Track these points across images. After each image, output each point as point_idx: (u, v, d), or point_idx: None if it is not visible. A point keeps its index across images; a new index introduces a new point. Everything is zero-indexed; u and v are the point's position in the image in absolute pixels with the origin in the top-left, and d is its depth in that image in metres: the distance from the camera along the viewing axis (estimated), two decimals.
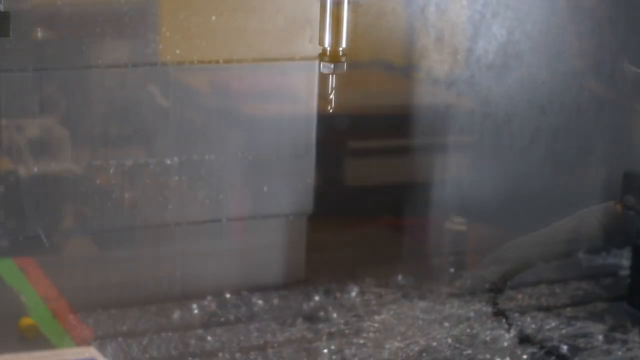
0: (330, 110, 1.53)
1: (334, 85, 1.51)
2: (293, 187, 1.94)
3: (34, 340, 1.69)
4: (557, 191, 2.26)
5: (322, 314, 1.87)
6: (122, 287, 1.85)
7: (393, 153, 2.16)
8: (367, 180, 2.14)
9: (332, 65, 1.48)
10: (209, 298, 1.88)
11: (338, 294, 1.95)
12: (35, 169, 1.78)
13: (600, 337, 1.82)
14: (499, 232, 2.25)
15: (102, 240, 1.87)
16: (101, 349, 1.67)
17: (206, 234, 1.92)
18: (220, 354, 1.70)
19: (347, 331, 1.81)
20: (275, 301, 1.90)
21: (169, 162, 1.85)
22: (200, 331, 1.77)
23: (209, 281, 1.92)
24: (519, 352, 1.76)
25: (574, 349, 1.78)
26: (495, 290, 2.00)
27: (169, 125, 1.84)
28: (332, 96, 1.51)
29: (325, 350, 1.73)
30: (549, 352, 1.75)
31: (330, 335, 1.79)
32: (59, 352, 1.65)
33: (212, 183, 1.89)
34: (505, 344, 1.78)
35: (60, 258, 1.84)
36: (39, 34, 1.76)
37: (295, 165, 1.95)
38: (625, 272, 2.09)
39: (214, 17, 1.83)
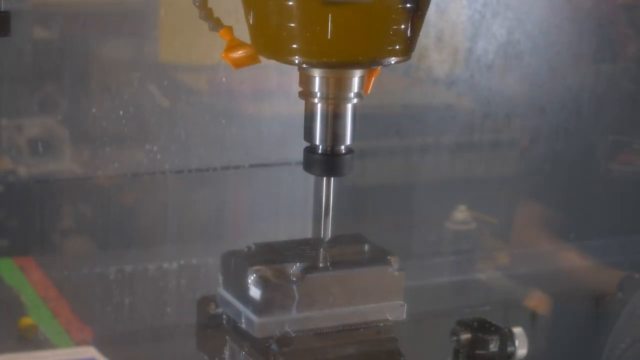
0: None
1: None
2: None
3: (34, 340, 1.69)
4: (558, 191, 2.26)
5: None
6: None
7: (392, 153, 2.16)
8: (367, 179, 2.14)
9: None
10: None
11: None
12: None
13: None
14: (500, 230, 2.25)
15: None
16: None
17: None
18: None
19: None
20: None
21: None
22: None
23: None
24: None
25: None
26: None
27: None
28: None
29: None
30: None
31: None
32: (58, 352, 1.65)
33: None
34: None
35: None
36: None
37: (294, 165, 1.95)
38: None
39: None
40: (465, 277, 2.19)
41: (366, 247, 1.12)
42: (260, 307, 1.03)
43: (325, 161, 1.04)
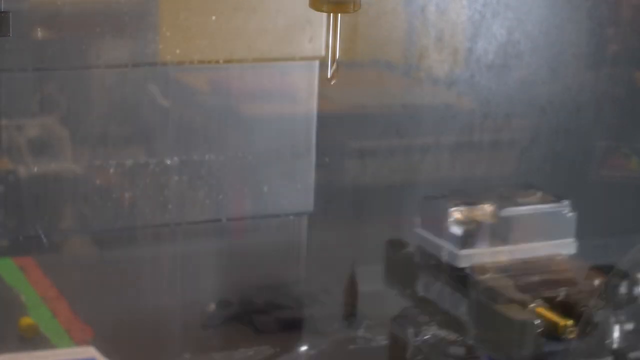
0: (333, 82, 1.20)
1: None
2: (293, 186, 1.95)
3: (34, 340, 1.69)
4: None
5: None
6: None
7: (392, 153, 2.16)
8: (367, 179, 2.14)
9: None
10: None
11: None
12: (35, 169, 1.78)
13: None
14: None
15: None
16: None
17: None
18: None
19: None
20: None
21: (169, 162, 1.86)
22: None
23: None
24: None
25: None
26: None
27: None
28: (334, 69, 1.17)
29: None
30: None
31: None
32: (58, 352, 1.65)
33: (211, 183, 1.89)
34: None
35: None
36: (39, 33, 1.76)
37: (295, 165, 1.95)
38: None
39: (214, 17, 1.82)
40: None
41: (540, 193, 1.38)
42: (461, 242, 1.26)
43: None
